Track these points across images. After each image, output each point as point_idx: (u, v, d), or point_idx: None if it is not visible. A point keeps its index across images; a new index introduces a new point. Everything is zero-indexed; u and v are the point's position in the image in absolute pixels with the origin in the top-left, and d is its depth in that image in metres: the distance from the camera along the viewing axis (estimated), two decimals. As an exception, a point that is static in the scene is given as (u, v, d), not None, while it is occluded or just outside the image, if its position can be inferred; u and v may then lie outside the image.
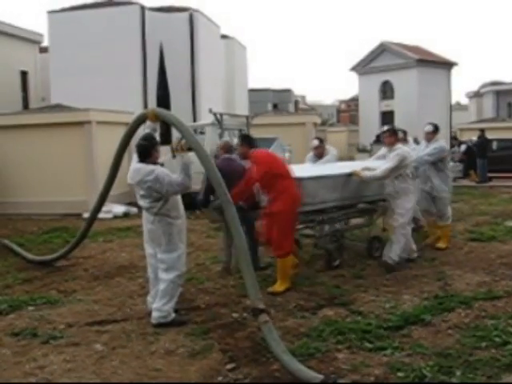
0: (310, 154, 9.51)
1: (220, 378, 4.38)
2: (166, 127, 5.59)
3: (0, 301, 6.73)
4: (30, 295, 6.96)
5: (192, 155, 5.57)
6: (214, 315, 5.85)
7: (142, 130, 6.01)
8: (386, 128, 8.20)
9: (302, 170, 7.87)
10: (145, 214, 5.79)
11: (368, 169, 7.86)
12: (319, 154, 9.20)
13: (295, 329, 5.36)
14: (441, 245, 8.83)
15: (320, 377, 4.19)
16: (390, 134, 7.92)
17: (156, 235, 5.66)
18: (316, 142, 9.36)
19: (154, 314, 5.62)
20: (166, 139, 5.68)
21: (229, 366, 4.55)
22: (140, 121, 6.41)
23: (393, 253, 7.57)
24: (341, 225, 8.48)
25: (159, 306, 5.60)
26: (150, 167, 5.53)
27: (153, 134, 5.84)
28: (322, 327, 5.29)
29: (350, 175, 7.78)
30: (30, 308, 6.45)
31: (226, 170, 6.88)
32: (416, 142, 10.94)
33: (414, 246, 8.08)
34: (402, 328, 5.29)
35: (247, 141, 7.19)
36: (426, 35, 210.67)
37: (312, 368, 4.33)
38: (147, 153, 5.63)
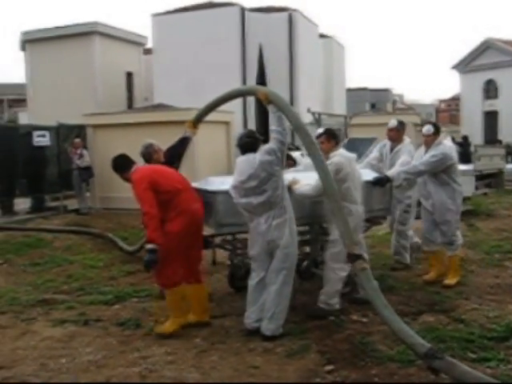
0: None
1: (318, 380, 4.35)
2: (265, 130, 5.57)
3: (106, 291, 7.08)
4: (133, 287, 7.26)
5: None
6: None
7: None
8: (320, 130, 6.27)
9: (224, 182, 5.96)
10: (260, 219, 5.22)
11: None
12: None
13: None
14: (449, 281, 6.84)
15: (427, 345, 4.11)
16: (328, 138, 6.01)
17: (281, 230, 5.17)
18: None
19: (271, 326, 5.23)
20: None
21: (327, 368, 4.51)
22: (247, 92, 6.40)
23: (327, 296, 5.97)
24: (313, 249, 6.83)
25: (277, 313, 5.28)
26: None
27: (255, 131, 5.67)
28: (422, 334, 5.07)
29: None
30: (134, 299, 6.74)
31: None
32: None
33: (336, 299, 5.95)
34: (507, 339, 5.02)
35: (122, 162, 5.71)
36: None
37: (413, 376, 4.23)
38: (252, 150, 5.29)
